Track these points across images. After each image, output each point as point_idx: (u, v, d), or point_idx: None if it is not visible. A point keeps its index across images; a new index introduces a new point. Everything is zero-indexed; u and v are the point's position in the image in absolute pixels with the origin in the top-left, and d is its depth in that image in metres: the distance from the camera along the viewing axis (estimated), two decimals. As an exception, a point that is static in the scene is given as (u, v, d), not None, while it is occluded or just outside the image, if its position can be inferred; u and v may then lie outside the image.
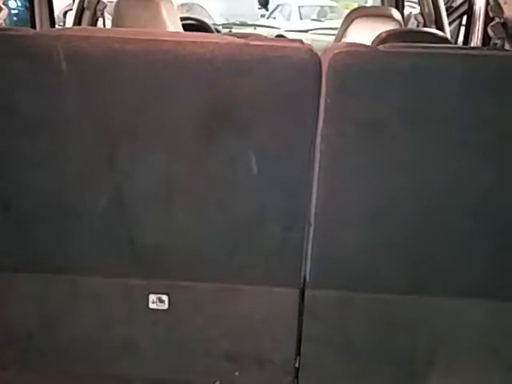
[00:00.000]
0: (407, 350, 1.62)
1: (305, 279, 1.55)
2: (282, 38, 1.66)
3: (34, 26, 3.17)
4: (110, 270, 1.56)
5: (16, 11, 5.83)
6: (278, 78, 1.41)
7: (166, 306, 1.58)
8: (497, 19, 2.45)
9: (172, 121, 1.43)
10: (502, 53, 1.52)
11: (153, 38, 1.40)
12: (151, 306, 1.58)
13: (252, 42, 1.39)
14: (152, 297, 1.57)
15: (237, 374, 1.66)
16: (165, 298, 1.58)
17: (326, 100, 1.40)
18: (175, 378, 1.66)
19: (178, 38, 1.39)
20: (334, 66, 1.40)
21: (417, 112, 1.41)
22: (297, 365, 1.66)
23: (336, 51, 1.40)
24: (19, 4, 5.70)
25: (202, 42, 1.37)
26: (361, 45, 1.46)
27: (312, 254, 1.52)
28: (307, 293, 1.58)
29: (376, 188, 1.46)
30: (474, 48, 1.54)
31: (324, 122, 1.41)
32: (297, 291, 1.58)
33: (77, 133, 1.44)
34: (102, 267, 1.55)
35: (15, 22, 5.72)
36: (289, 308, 1.60)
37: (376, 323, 1.62)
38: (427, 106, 1.40)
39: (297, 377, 1.66)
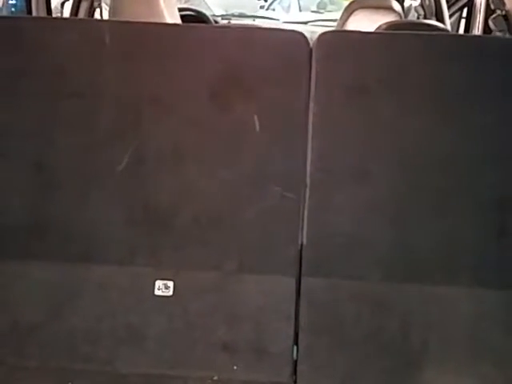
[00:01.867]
0: (401, 338, 1.66)
1: (302, 244, 1.68)
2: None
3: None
4: (122, 238, 1.68)
5: (14, 1, 5.79)
6: (276, 53, 1.71)
7: (170, 292, 1.66)
8: (498, 11, 2.43)
9: (189, 90, 1.70)
10: (455, 34, 1.83)
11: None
12: (157, 292, 1.66)
13: (255, 26, 1.66)
14: (158, 283, 1.66)
15: (235, 367, 1.66)
16: (170, 284, 1.66)
17: (316, 69, 1.69)
18: (173, 375, 1.66)
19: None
20: (321, 41, 1.72)
21: (391, 78, 1.71)
22: (295, 356, 1.67)
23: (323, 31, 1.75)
24: (17, -6, 5.66)
25: (214, 26, 1.72)
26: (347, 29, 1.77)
27: (308, 214, 1.69)
28: (303, 280, 1.67)
29: (362, 144, 1.69)
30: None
31: (315, 87, 1.69)
32: (293, 280, 1.66)
33: (110, 97, 1.69)
34: (115, 235, 1.69)
35: (13, 12, 5.67)
36: (286, 296, 1.67)
37: (368, 311, 1.68)
38: (399, 73, 1.70)
39: (295, 368, 1.66)
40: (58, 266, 1.70)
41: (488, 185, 1.68)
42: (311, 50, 1.71)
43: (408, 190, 1.69)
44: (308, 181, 1.70)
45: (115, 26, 1.77)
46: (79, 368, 1.65)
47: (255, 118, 1.69)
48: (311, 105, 1.70)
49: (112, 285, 1.69)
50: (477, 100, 1.68)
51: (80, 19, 1.89)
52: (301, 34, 1.73)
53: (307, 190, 1.69)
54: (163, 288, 1.68)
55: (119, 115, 1.70)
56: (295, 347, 1.68)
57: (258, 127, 1.68)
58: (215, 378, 1.65)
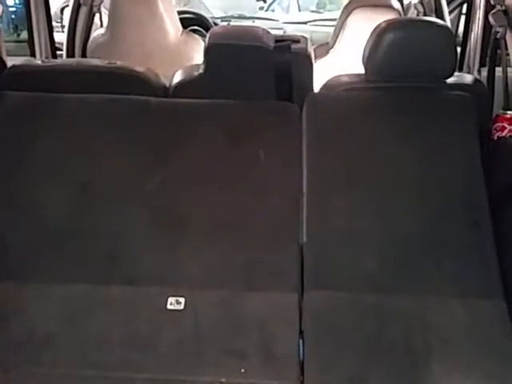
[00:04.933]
0: (403, 341, 1.73)
1: (302, 244, 1.93)
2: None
3: (30, 23, 3.16)
4: (141, 255, 1.91)
5: (14, 9, 5.80)
6: (275, 111, 2.22)
7: (182, 306, 1.79)
8: (498, 7, 2.42)
9: (209, 135, 2.14)
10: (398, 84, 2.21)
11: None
12: (169, 307, 1.79)
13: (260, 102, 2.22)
14: (171, 299, 1.80)
15: (243, 370, 1.67)
16: (182, 300, 1.80)
17: (305, 115, 2.15)
18: (182, 379, 1.68)
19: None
20: (309, 97, 2.22)
21: (361, 116, 2.18)
22: (301, 358, 1.69)
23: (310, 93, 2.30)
24: (17, 1, 5.66)
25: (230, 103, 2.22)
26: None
27: (306, 217, 1.97)
28: (306, 294, 1.82)
29: (346, 161, 2.08)
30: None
31: (306, 126, 2.14)
32: (296, 295, 1.82)
33: (149, 139, 2.14)
34: (135, 251, 1.92)
35: (13, 19, 5.69)
36: (290, 307, 1.80)
37: (368, 317, 1.78)
38: (366, 112, 2.19)
39: (302, 369, 1.68)
40: (79, 286, 1.84)
41: (458, 187, 2.03)
42: (301, 109, 2.18)
43: (388, 195, 2.02)
44: (305, 190, 2.02)
45: (159, 101, 2.25)
46: (89, 374, 1.68)
47: (261, 151, 2.09)
48: (304, 138, 2.11)
49: (127, 301, 1.82)
50: (429, 125, 2.14)
51: (133, 97, 2.26)
52: (294, 105, 2.22)
53: (304, 197, 2.01)
54: (175, 303, 1.79)
55: (151, 153, 2.11)
56: (302, 349, 1.71)
57: (263, 157, 2.08)
58: (223, 380, 1.66)
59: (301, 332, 1.74)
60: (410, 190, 2.03)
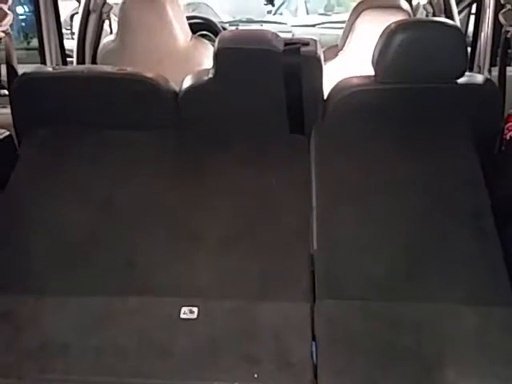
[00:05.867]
0: (416, 347, 1.74)
1: (313, 255, 1.98)
2: None
3: (40, 31, 3.18)
4: (157, 267, 1.97)
5: (24, 17, 5.84)
6: (289, 143, 2.34)
7: (195, 315, 1.82)
8: (508, 6, 2.41)
9: (223, 162, 2.26)
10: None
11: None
12: (182, 316, 1.81)
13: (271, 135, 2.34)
14: (184, 309, 1.83)
15: (255, 375, 1.67)
16: (195, 309, 1.83)
17: (314, 142, 2.28)
18: None
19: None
20: (317, 126, 2.30)
21: (364, 139, 2.27)
22: (314, 363, 1.69)
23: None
24: (27, 10, 5.70)
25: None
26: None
27: (316, 227, 2.03)
28: (318, 302, 1.84)
29: (356, 179, 2.16)
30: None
31: (315, 152, 2.25)
32: (307, 303, 1.84)
33: (166, 166, 2.29)
34: (153, 264, 1.98)
35: (23, 27, 5.73)
36: (302, 314, 1.82)
37: (380, 324, 1.78)
38: (370, 137, 2.27)
39: (315, 374, 1.68)
40: (95, 297, 1.88)
41: (462, 196, 2.10)
42: (309, 139, 2.30)
43: (395, 206, 2.08)
44: (314, 204, 2.10)
45: (175, 133, 2.36)
46: (103, 380, 1.69)
47: (273, 179, 2.21)
48: (312, 164, 2.21)
49: (140, 311, 1.85)
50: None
51: (150, 131, 2.37)
52: (303, 137, 2.34)
53: (314, 211, 2.08)
54: (188, 313, 1.82)
55: (167, 178, 2.25)
56: (315, 356, 1.71)
57: (274, 183, 2.20)
58: (236, 383, 1.66)
59: (313, 339, 1.75)
60: (417, 201, 2.08)
